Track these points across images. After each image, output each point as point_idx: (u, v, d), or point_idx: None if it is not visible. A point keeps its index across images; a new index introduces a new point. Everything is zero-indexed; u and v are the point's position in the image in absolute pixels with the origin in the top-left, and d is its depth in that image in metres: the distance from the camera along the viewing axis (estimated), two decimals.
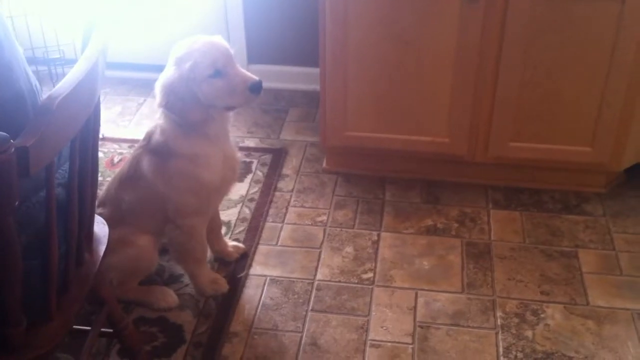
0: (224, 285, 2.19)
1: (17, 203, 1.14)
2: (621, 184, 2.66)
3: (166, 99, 1.89)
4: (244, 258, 2.32)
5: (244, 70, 1.93)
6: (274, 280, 2.24)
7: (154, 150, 1.98)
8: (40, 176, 1.24)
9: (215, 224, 2.26)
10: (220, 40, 1.92)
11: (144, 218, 2.05)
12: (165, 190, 1.99)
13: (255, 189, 2.67)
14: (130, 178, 2.02)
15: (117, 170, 2.13)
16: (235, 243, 2.35)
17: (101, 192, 2.13)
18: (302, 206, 2.58)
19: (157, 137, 1.98)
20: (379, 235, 2.43)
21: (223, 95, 1.90)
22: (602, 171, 2.58)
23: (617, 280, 2.23)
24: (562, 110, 2.44)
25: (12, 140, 1.08)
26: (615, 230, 2.44)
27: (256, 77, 1.91)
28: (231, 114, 2.03)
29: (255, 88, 1.90)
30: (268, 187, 2.67)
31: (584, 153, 2.50)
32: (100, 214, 1.93)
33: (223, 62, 1.88)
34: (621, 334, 2.04)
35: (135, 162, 2.02)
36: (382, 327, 2.07)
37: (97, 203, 2.02)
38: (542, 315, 2.10)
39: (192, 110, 1.91)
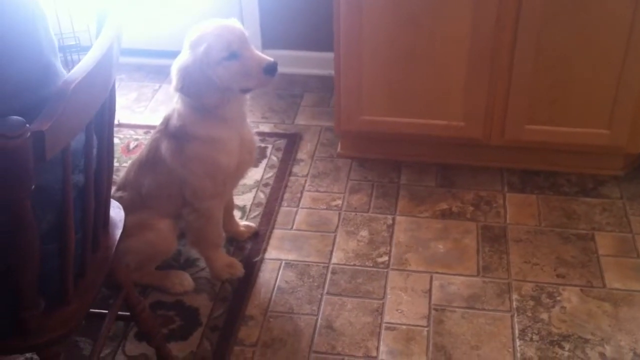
0: (239, 269, 2.20)
1: (33, 187, 1.15)
2: (638, 167, 2.63)
3: (182, 82, 1.90)
4: (259, 242, 2.33)
5: (258, 52, 1.93)
6: (289, 264, 2.25)
7: (172, 134, 1.99)
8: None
9: (228, 205, 2.28)
10: (234, 22, 1.92)
11: (163, 202, 2.07)
12: (183, 173, 2.01)
13: (270, 174, 2.67)
14: (149, 162, 2.04)
15: (133, 156, 2.15)
16: (246, 223, 2.38)
17: (117, 177, 2.14)
18: (316, 190, 2.58)
19: (174, 121, 1.99)
20: (394, 219, 2.43)
21: (238, 78, 1.90)
22: (619, 154, 2.56)
23: (634, 262, 2.22)
24: (579, 92, 2.42)
25: (27, 125, 1.09)
26: (632, 212, 2.42)
27: (271, 59, 1.90)
28: (247, 97, 2.04)
29: (270, 69, 1.90)
30: (283, 172, 2.68)
31: (601, 135, 2.48)
32: (119, 198, 1.95)
33: (238, 45, 1.88)
34: (638, 316, 2.03)
35: (154, 147, 2.03)
36: (397, 310, 2.07)
37: (115, 187, 2.05)
38: (558, 298, 2.10)
39: (208, 94, 1.91)
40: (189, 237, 2.18)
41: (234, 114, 2.00)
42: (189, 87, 1.90)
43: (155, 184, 2.04)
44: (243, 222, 2.37)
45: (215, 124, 1.97)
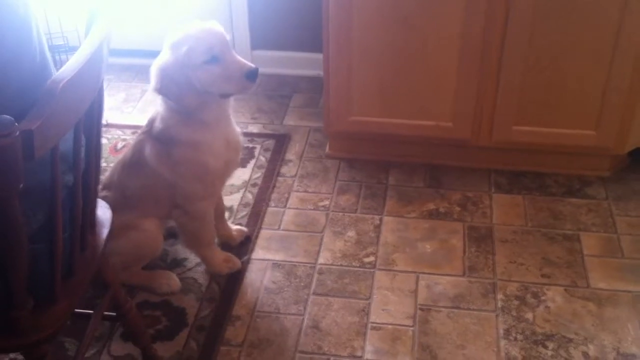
0: (237, 262, 2.23)
1: (21, 186, 1.15)
2: (625, 168, 2.66)
3: (160, 82, 1.89)
4: (247, 242, 2.34)
5: (239, 57, 1.92)
6: (277, 264, 2.26)
7: (156, 137, 1.99)
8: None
9: (219, 209, 2.28)
10: (216, 25, 1.91)
11: (148, 203, 2.07)
12: (171, 177, 2.01)
13: (258, 174, 2.68)
14: (133, 164, 2.04)
15: (120, 156, 2.14)
16: (238, 227, 2.37)
17: (103, 177, 2.14)
18: (305, 191, 2.59)
19: (157, 124, 1.99)
20: (381, 220, 2.44)
21: (219, 82, 1.89)
22: (606, 155, 2.58)
23: (619, 263, 2.24)
24: (567, 93, 2.44)
25: (16, 124, 1.09)
26: (617, 213, 2.45)
27: (252, 65, 1.90)
28: (231, 100, 2.03)
29: (251, 75, 1.89)
30: (271, 172, 2.68)
31: (588, 137, 2.50)
32: (104, 198, 1.95)
33: (219, 49, 1.87)
34: (622, 316, 2.05)
35: (138, 149, 2.03)
36: (383, 310, 2.09)
37: (100, 186, 2.05)
38: (543, 298, 2.11)
39: (187, 96, 1.90)
40: (183, 239, 2.20)
41: (217, 117, 1.99)
42: (167, 87, 1.89)
43: (140, 185, 2.04)
44: (235, 227, 2.37)
45: (198, 127, 1.97)
